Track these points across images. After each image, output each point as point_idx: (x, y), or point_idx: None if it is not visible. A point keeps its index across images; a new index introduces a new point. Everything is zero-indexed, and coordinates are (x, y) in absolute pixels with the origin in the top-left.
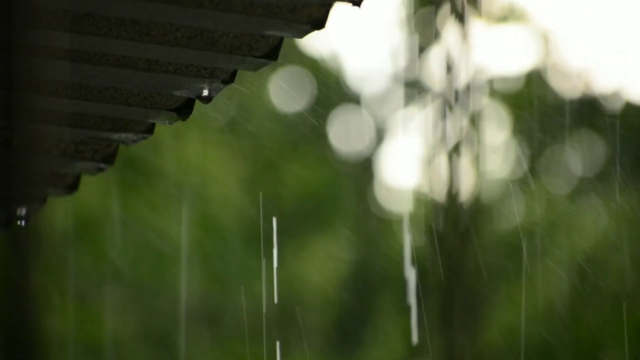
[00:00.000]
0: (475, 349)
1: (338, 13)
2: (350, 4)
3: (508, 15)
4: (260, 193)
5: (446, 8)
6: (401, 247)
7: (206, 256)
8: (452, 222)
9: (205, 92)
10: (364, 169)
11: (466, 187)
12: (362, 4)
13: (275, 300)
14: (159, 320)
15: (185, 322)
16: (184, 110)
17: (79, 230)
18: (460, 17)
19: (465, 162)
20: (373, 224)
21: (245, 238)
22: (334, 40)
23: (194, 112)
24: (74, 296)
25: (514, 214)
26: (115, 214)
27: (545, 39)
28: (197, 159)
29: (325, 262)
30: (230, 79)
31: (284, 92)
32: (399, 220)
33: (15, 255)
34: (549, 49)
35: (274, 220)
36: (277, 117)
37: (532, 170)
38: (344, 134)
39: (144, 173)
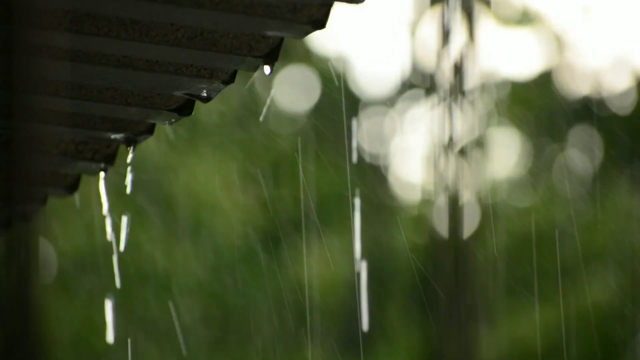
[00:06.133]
0: (482, 351)
1: (342, 13)
2: (351, 3)
3: (518, 17)
4: (268, 194)
5: (456, 8)
6: (409, 245)
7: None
8: (458, 223)
9: (205, 93)
10: (370, 169)
11: (472, 188)
12: (363, 2)
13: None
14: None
15: (196, 324)
16: (184, 110)
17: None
18: (470, 17)
19: (472, 163)
20: (380, 223)
21: (255, 238)
22: (340, 40)
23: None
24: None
25: (522, 215)
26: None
27: (555, 41)
28: (198, 158)
29: (332, 260)
30: (230, 79)
31: (289, 92)
32: (406, 219)
33: (14, 257)
34: (559, 50)
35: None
36: (282, 117)
37: (540, 170)
38: (349, 133)
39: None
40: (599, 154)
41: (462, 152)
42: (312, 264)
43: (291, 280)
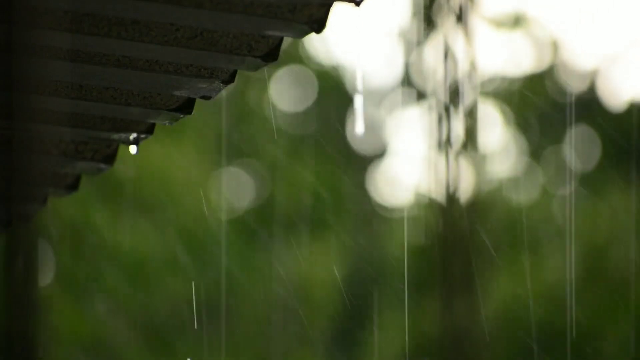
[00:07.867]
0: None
1: (339, 14)
2: (350, 4)
3: (511, 18)
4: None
5: (449, 9)
6: (402, 245)
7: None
8: (452, 222)
9: (205, 92)
10: (365, 169)
11: (466, 187)
12: (362, 4)
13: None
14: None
15: (184, 321)
16: (184, 110)
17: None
18: (463, 19)
19: (466, 162)
20: (374, 223)
21: (248, 235)
22: (336, 41)
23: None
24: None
25: (515, 213)
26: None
27: (549, 42)
28: (195, 156)
29: (326, 260)
30: (230, 79)
31: (286, 92)
32: (400, 220)
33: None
34: (552, 51)
35: None
36: (278, 117)
37: (533, 168)
38: (345, 133)
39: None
40: (595, 152)
41: (460, 152)
42: (303, 262)
43: (284, 277)
